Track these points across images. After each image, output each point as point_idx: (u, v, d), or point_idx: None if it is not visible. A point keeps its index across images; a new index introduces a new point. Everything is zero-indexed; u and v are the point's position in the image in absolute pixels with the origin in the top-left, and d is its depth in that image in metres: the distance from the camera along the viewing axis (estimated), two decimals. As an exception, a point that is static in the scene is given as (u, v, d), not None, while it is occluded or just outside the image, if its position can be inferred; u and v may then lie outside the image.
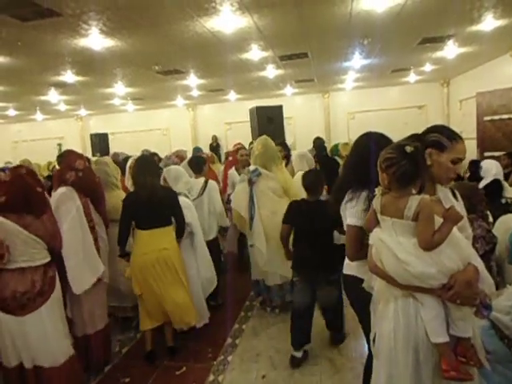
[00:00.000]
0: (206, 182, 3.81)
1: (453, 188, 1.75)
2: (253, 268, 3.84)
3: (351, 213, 1.82)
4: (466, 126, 8.91)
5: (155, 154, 6.31)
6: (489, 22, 5.63)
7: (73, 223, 2.69)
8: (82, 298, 2.81)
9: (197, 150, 6.89)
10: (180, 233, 3.10)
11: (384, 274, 1.53)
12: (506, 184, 4.69)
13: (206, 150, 11.93)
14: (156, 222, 2.96)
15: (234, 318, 3.73)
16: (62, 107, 11.14)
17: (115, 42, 5.28)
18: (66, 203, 2.70)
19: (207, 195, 3.75)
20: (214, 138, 12.90)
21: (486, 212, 2.96)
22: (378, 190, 1.58)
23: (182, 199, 3.14)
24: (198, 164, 3.99)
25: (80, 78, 7.46)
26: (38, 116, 12.61)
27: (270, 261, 3.50)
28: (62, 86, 8.07)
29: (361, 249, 1.79)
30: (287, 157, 4.73)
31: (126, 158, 4.84)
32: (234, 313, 3.84)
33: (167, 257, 2.95)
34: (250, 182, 3.56)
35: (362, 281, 1.77)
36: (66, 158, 2.96)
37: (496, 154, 6.45)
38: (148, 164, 3.07)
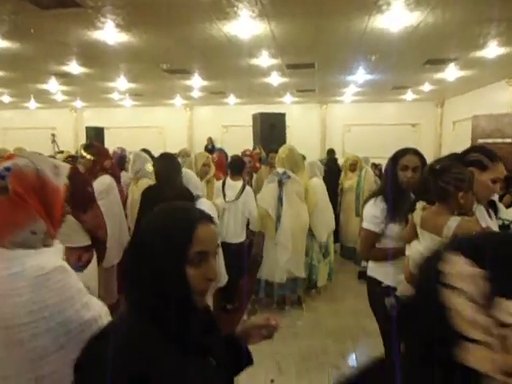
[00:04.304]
0: (243, 186, 3.77)
1: (487, 207, 1.83)
2: (263, 267, 3.87)
3: (366, 217, 2.03)
4: (458, 148, 9.14)
5: (147, 151, 6.11)
6: (492, 49, 5.86)
7: (119, 208, 3.14)
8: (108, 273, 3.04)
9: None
10: None
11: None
12: (501, 205, 4.88)
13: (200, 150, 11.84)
14: None
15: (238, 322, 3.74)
16: (59, 97, 10.95)
17: (129, 38, 5.27)
18: (113, 191, 3.06)
19: (243, 199, 3.73)
20: (210, 140, 12.68)
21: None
22: (418, 205, 1.65)
23: (204, 201, 2.97)
24: (238, 166, 3.91)
25: (83, 70, 7.38)
26: (31, 104, 12.35)
27: (290, 258, 3.70)
28: (64, 76, 7.96)
29: (370, 250, 2.05)
30: None
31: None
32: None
33: None
34: (281, 183, 3.68)
35: (378, 282, 2.02)
36: (100, 148, 3.25)
37: (489, 176, 6.62)
38: (173, 160, 2.99)
